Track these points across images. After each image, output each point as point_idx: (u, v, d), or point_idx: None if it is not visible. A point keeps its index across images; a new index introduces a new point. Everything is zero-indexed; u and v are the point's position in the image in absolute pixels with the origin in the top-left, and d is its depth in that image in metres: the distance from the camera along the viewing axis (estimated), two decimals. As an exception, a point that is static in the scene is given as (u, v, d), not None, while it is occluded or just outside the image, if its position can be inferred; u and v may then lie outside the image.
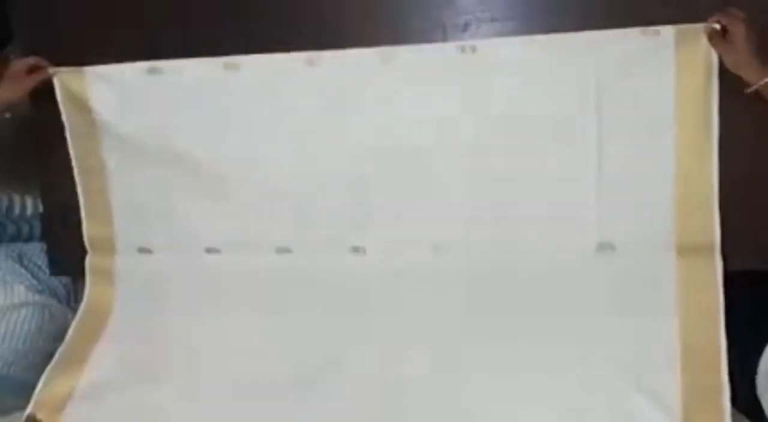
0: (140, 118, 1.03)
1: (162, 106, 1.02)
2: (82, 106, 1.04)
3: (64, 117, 1.05)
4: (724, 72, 0.84)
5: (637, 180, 0.89)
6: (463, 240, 0.95)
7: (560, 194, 0.92)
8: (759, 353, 0.83)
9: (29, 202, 1.21)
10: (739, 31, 0.80)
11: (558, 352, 0.87)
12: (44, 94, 1.05)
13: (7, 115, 1.03)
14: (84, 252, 1.09)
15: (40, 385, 0.97)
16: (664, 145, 0.87)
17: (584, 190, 0.91)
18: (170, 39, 1.02)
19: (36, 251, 1.15)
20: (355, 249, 0.99)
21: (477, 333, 0.91)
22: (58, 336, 1.04)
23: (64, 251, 1.11)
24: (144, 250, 1.07)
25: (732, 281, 0.86)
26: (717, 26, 0.83)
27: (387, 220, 0.98)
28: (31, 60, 1.01)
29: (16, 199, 1.21)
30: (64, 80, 1.04)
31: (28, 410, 0.94)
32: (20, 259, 1.12)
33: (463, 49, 0.93)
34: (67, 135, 1.06)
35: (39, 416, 0.93)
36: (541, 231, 0.93)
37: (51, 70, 1.02)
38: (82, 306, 1.06)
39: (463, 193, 0.95)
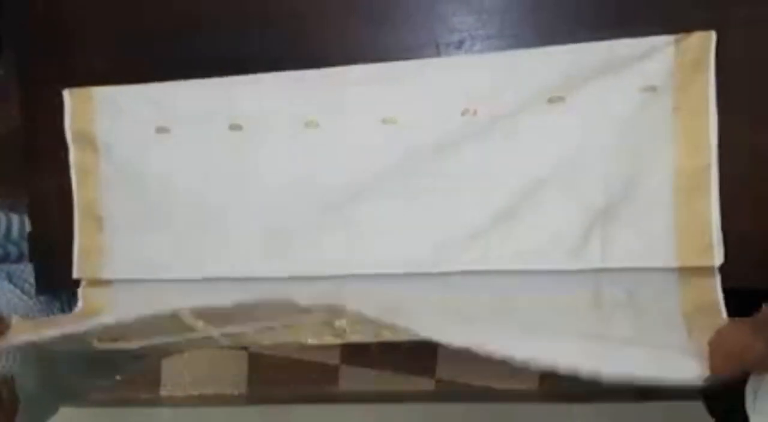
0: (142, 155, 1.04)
1: (166, 160, 1.03)
2: (86, 129, 1.04)
3: (68, 137, 1.05)
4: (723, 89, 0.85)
5: (638, 204, 0.90)
6: (464, 265, 0.95)
7: (562, 218, 0.92)
8: None
9: (15, 221, 1.20)
10: None
11: None
12: (33, 112, 1.04)
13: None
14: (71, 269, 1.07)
15: None
16: (664, 169, 0.89)
17: (587, 215, 0.91)
18: (170, 56, 1.02)
19: (28, 270, 1.13)
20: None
21: None
22: (49, 353, 1.03)
23: (52, 269, 1.09)
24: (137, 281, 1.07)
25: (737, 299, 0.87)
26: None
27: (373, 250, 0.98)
28: None
29: (2, 218, 1.19)
30: (70, 100, 1.03)
31: None
32: (9, 277, 1.11)
33: (463, 113, 0.93)
34: (71, 160, 1.06)
35: None
36: (544, 256, 0.93)
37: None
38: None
39: (465, 216, 0.95)
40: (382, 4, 0.96)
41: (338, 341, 0.99)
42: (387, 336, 0.93)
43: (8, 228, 1.19)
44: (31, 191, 1.10)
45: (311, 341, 0.99)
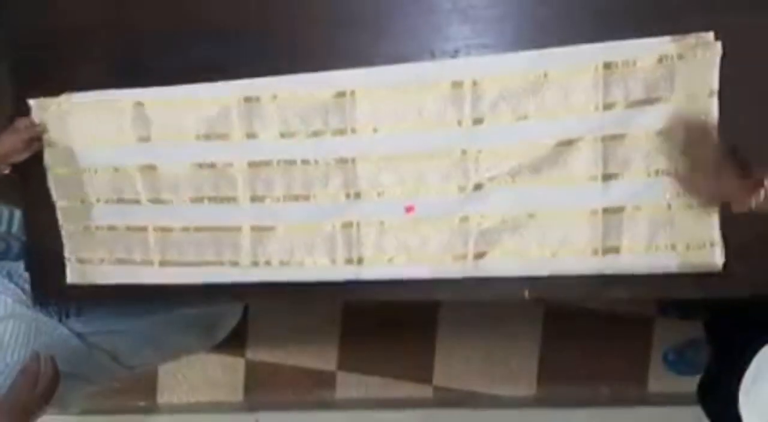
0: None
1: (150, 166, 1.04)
2: (61, 134, 1.06)
3: (45, 144, 1.06)
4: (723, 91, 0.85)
5: (639, 210, 0.90)
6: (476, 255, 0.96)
7: (561, 220, 0.93)
8: None
9: (17, 215, 1.20)
10: None
11: None
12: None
13: (6, 170, 1.06)
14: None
15: None
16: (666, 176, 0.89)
17: (587, 216, 0.92)
18: (160, 64, 1.02)
19: (27, 268, 1.14)
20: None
21: None
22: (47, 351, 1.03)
23: (47, 279, 1.10)
24: None
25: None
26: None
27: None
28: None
29: (5, 211, 1.20)
30: (42, 107, 1.05)
31: None
32: (9, 276, 1.11)
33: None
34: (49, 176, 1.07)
35: None
36: (544, 255, 0.94)
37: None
38: None
39: (475, 210, 0.96)
40: (380, 13, 0.97)
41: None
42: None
43: (10, 222, 1.19)
44: (26, 202, 1.11)
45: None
